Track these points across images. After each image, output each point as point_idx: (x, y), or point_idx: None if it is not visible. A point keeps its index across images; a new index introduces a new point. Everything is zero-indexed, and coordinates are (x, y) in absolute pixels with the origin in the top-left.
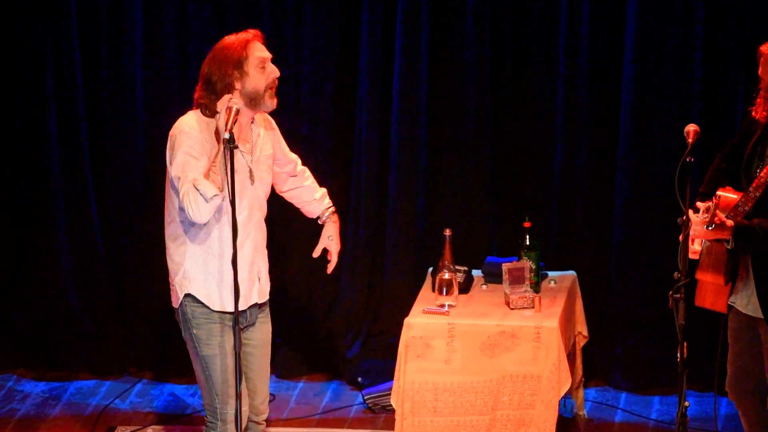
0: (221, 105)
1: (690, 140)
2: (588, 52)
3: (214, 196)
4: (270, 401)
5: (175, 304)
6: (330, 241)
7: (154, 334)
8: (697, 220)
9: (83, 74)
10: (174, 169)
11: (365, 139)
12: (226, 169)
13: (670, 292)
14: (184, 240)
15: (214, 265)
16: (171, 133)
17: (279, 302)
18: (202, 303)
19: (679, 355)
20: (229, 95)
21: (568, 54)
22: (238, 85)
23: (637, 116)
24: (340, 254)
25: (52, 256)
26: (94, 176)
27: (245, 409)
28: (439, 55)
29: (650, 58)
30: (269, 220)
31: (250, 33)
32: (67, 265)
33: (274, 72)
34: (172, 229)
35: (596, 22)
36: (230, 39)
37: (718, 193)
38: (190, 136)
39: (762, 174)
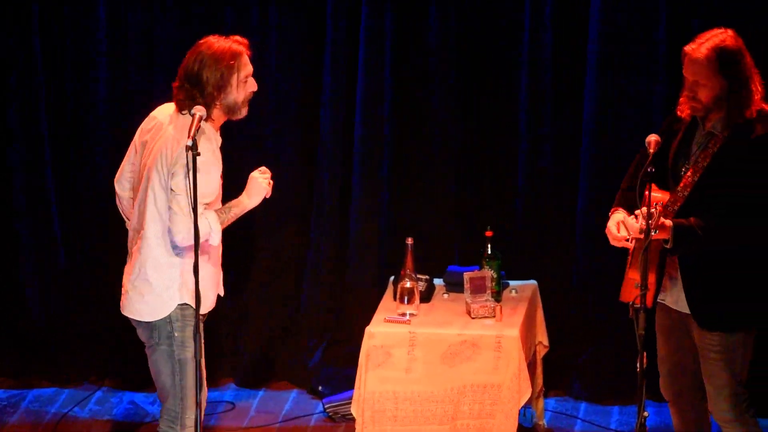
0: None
1: (651, 150)
2: (551, 64)
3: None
4: (230, 410)
5: (155, 317)
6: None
7: (114, 342)
8: (636, 226)
9: (46, 84)
10: (180, 193)
11: (329, 147)
12: (188, 174)
13: (630, 303)
14: (182, 251)
15: (209, 269)
16: (172, 146)
17: (240, 310)
18: (188, 306)
19: (638, 365)
20: (198, 106)
21: (531, 65)
22: (228, 88)
23: (600, 128)
24: (302, 262)
25: (14, 266)
26: (56, 186)
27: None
28: (403, 65)
29: (612, 71)
30: (233, 230)
31: (242, 44)
32: (28, 275)
33: (252, 87)
34: (165, 240)
35: (559, 34)
36: (222, 43)
37: (646, 193)
38: (206, 165)
39: (688, 174)
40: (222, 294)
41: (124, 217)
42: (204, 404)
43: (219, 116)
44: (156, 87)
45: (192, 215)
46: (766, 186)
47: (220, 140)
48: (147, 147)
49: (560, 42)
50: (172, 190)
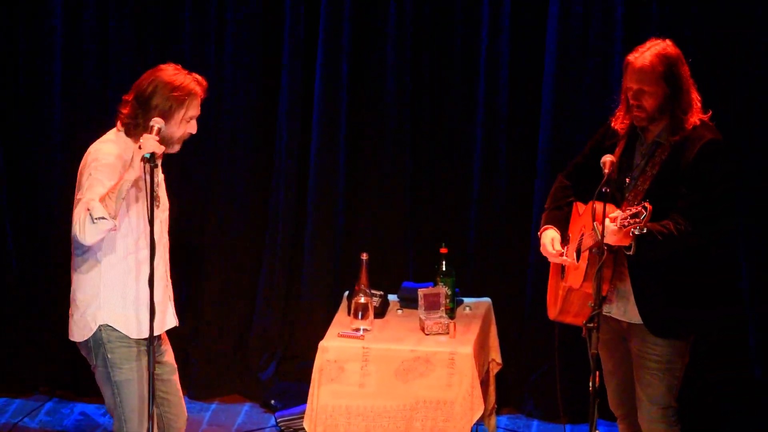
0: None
1: (606, 170)
2: (507, 80)
3: (100, 218)
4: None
5: (82, 337)
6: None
7: (65, 352)
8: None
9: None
10: (81, 193)
11: (284, 162)
12: (146, 187)
13: (584, 322)
14: (99, 270)
15: (132, 289)
16: (86, 160)
17: (193, 323)
18: (117, 329)
19: (591, 384)
20: (157, 118)
21: (487, 82)
22: (171, 121)
23: (555, 145)
24: (256, 275)
25: None
26: (9, 194)
27: None
28: (359, 82)
29: (568, 88)
30: (185, 242)
31: (200, 87)
32: None
33: (192, 129)
34: (83, 260)
35: (516, 49)
36: (182, 77)
37: (593, 205)
38: (106, 167)
39: (639, 182)
40: (174, 324)
41: None
42: (182, 428)
43: None
44: (109, 97)
45: (87, 205)
46: (719, 189)
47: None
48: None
49: (517, 57)
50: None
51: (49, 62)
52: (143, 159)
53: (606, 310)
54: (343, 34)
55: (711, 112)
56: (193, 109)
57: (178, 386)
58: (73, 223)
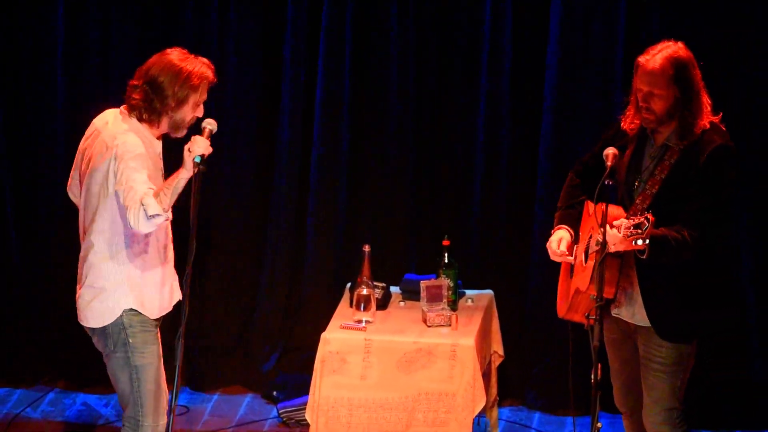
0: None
1: (609, 163)
2: (510, 74)
3: (156, 215)
4: (184, 413)
5: (102, 323)
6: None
7: (68, 343)
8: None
9: (1, 85)
10: (124, 184)
11: (286, 154)
12: (194, 189)
13: (586, 314)
14: (126, 256)
15: (157, 273)
16: (118, 153)
17: (196, 314)
18: (138, 312)
19: (593, 376)
20: (209, 119)
21: (490, 74)
22: (185, 106)
23: (558, 138)
24: (259, 267)
25: None
26: (12, 187)
27: (165, 422)
28: (362, 74)
29: (571, 81)
30: (187, 233)
31: (211, 71)
32: None
33: (199, 112)
34: (110, 247)
35: (519, 44)
36: (194, 63)
37: (610, 208)
38: (141, 157)
39: (647, 186)
40: (180, 298)
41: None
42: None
43: (164, 128)
44: (112, 86)
45: (142, 200)
46: (726, 194)
47: (159, 146)
48: (85, 155)
49: (520, 52)
50: (119, 186)
51: (51, 57)
52: (194, 163)
53: (615, 312)
54: (345, 27)
55: (722, 114)
56: (203, 93)
57: (162, 367)
58: (129, 216)
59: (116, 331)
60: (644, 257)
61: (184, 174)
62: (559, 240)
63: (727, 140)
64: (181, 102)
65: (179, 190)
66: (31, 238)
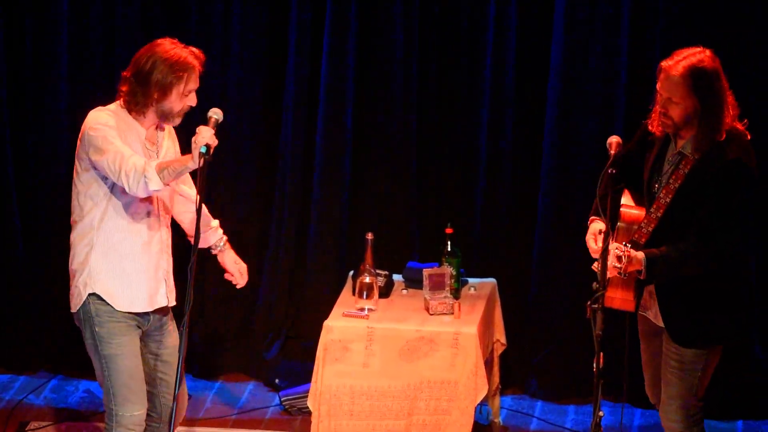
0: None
1: (612, 152)
2: (514, 62)
3: (155, 190)
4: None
5: (75, 307)
6: (237, 264)
7: (70, 330)
8: (595, 248)
9: (7, 75)
10: (104, 153)
11: (290, 142)
12: (198, 181)
13: (588, 303)
14: (92, 239)
15: (121, 264)
16: (85, 130)
17: (198, 302)
18: (106, 302)
19: (595, 365)
20: (215, 108)
21: (495, 64)
22: (170, 96)
23: (562, 126)
24: (262, 254)
25: None
26: (17, 176)
27: (141, 413)
28: (366, 62)
29: (575, 72)
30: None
31: (198, 60)
32: None
33: (191, 101)
34: (79, 229)
35: (523, 35)
36: (179, 51)
37: (622, 210)
38: (105, 130)
39: (661, 194)
40: (165, 304)
41: None
42: (184, 402)
43: (150, 117)
44: (117, 78)
45: (145, 172)
46: (735, 209)
47: (143, 132)
48: None
49: (524, 44)
50: (99, 155)
51: (55, 45)
52: (200, 154)
53: (642, 310)
54: (350, 22)
55: (747, 121)
56: (192, 83)
57: (177, 366)
58: (123, 178)
59: (85, 318)
60: (642, 277)
61: (190, 164)
62: (594, 235)
63: (741, 153)
64: (164, 91)
65: (182, 175)
66: (35, 229)
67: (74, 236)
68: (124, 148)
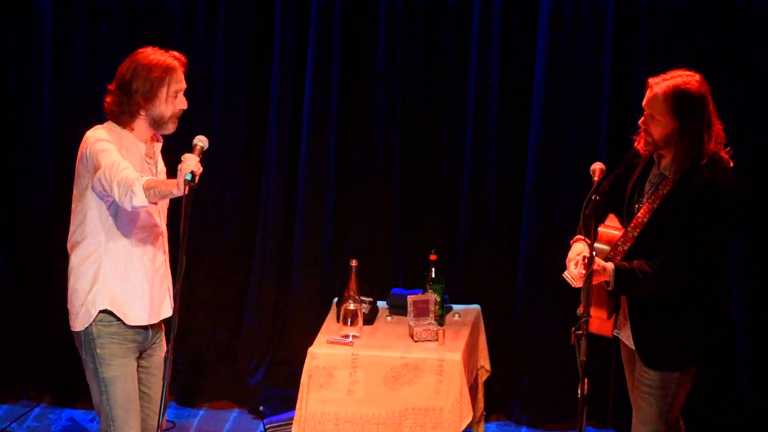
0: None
1: (596, 178)
2: (498, 88)
3: (140, 207)
4: (170, 428)
5: (80, 326)
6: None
7: (54, 358)
8: (574, 272)
9: None
10: (100, 166)
11: (274, 167)
12: (183, 208)
13: (573, 329)
14: (99, 258)
15: (131, 279)
16: (85, 148)
17: (182, 328)
18: (112, 321)
19: (579, 391)
20: (200, 136)
21: (477, 87)
22: (156, 101)
23: (545, 153)
24: (245, 280)
25: None
26: None
27: None
28: (349, 88)
29: (559, 98)
30: (173, 246)
31: (178, 60)
32: None
33: (182, 104)
34: (83, 250)
35: (507, 55)
36: (157, 56)
37: (599, 229)
38: (104, 144)
39: (639, 214)
40: (169, 314)
41: None
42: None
43: (143, 127)
44: (99, 97)
45: (133, 187)
46: (710, 229)
47: (142, 148)
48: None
49: (507, 68)
50: (95, 171)
51: (38, 57)
52: (185, 181)
53: (616, 332)
54: (333, 35)
55: (730, 149)
56: (176, 84)
57: (161, 382)
58: (115, 188)
59: (87, 340)
60: (609, 288)
61: (175, 191)
62: (576, 260)
63: (717, 176)
64: (148, 96)
65: (166, 198)
66: (18, 254)
67: (77, 258)
68: (121, 160)
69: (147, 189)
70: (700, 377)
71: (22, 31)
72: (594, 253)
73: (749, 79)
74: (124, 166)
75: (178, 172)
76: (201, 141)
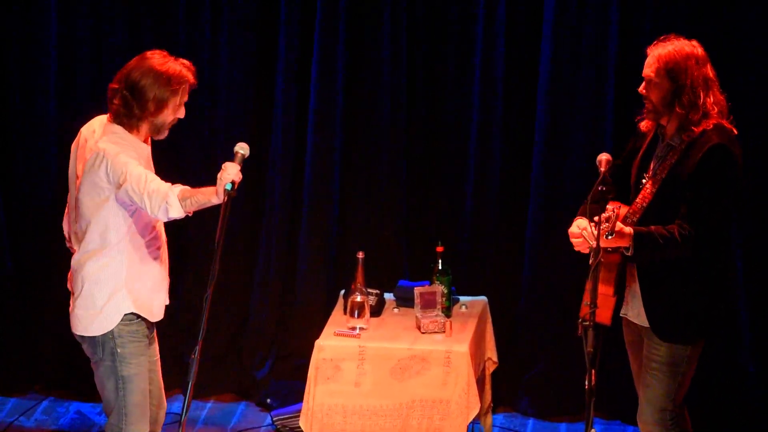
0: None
1: (602, 169)
2: (503, 81)
3: (174, 218)
4: (177, 421)
5: (98, 331)
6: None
7: (61, 351)
8: (591, 232)
9: None
10: (128, 176)
11: (280, 160)
12: (221, 216)
13: (579, 320)
14: (122, 263)
15: (150, 277)
16: (103, 161)
17: (188, 320)
18: (132, 319)
19: (587, 382)
20: (242, 143)
21: (483, 82)
22: (166, 110)
23: (550, 144)
24: (251, 273)
25: None
26: (4, 194)
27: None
28: (354, 79)
29: (563, 89)
30: (183, 241)
31: (191, 73)
32: None
33: (181, 114)
34: (105, 255)
35: (512, 47)
36: (173, 65)
37: (607, 207)
38: (122, 157)
39: (648, 185)
40: (167, 302)
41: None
42: (162, 419)
43: (144, 131)
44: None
45: (167, 198)
46: (723, 194)
47: (146, 149)
48: (77, 167)
49: (512, 58)
50: (120, 185)
51: (43, 58)
52: (225, 191)
53: (623, 312)
54: (338, 34)
55: (732, 118)
56: (184, 96)
57: (160, 376)
58: (146, 201)
59: (106, 340)
60: (629, 254)
61: (214, 199)
62: (576, 226)
63: (725, 140)
64: (160, 106)
65: (203, 207)
66: (24, 247)
67: (96, 265)
68: (146, 172)
69: (183, 199)
70: (706, 368)
71: (27, 28)
72: (616, 212)
73: (749, 80)
74: (151, 178)
75: (218, 181)
76: (242, 149)
